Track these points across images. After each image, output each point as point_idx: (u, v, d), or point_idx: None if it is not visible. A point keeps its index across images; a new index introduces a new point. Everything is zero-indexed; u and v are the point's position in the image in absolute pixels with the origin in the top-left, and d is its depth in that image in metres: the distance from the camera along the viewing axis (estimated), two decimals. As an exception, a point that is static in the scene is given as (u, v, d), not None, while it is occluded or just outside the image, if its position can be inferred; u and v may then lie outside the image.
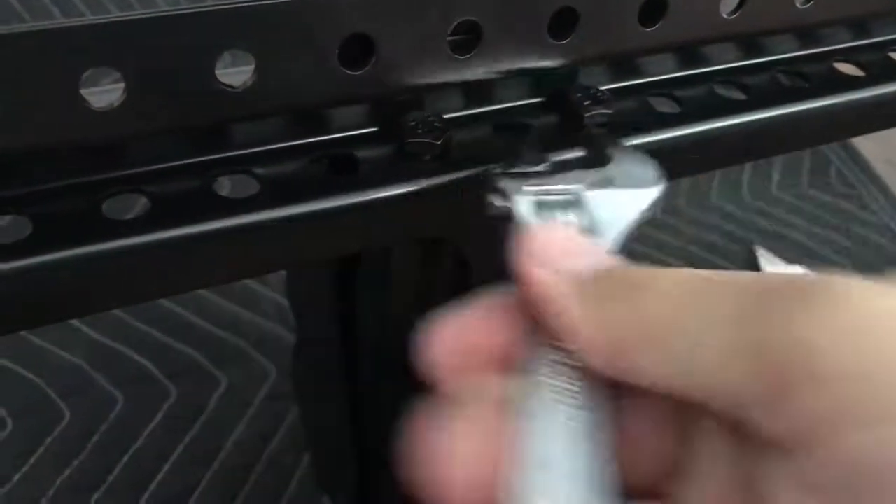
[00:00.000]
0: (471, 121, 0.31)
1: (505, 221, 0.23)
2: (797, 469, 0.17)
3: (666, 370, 0.18)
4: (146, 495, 0.53)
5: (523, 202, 0.23)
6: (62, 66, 0.22)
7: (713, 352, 0.18)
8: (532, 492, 0.19)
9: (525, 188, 0.23)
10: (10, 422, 0.56)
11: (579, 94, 0.31)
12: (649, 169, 0.24)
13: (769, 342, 0.17)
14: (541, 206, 0.23)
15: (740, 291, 0.18)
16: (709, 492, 0.19)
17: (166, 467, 0.55)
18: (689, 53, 0.34)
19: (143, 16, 0.22)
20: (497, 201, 0.24)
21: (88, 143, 0.24)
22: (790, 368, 0.17)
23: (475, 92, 0.30)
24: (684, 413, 0.20)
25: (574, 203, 0.23)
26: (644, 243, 0.73)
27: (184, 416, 0.57)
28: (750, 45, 0.35)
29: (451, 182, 0.29)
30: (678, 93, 0.33)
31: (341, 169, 0.28)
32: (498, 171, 0.24)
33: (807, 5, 0.32)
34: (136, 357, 0.60)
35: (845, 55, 0.37)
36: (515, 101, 0.31)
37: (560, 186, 0.23)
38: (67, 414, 0.57)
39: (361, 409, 0.41)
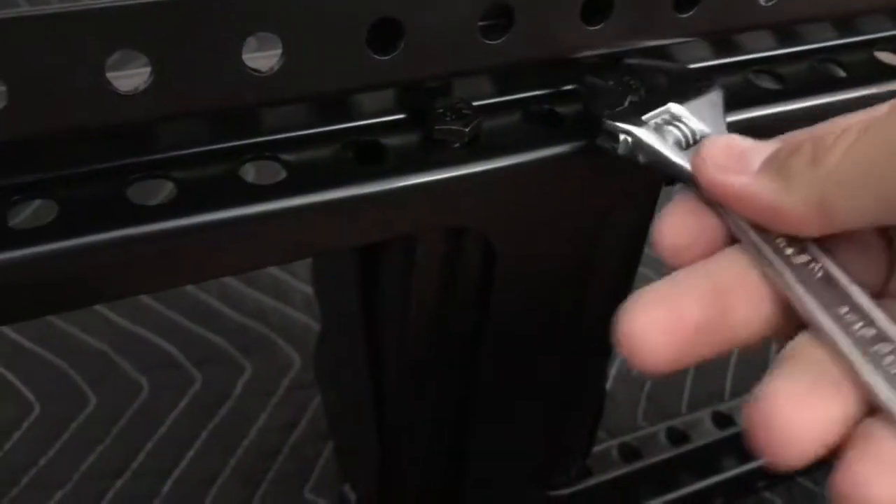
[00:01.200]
0: (500, 108, 0.30)
1: (631, 155, 0.27)
2: None
3: (871, 208, 0.21)
4: (170, 481, 0.53)
5: (644, 132, 0.27)
6: (88, 49, 0.22)
7: None
8: None
9: (641, 119, 0.27)
10: (36, 406, 0.56)
11: (610, 82, 0.31)
12: (699, 76, 0.29)
13: None
14: (656, 130, 0.27)
15: None
16: None
17: (190, 454, 0.55)
18: (723, 41, 0.33)
19: (171, -2, 0.22)
20: (621, 139, 0.27)
21: (114, 127, 0.24)
22: None
23: (505, 78, 0.30)
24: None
25: (680, 119, 0.27)
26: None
27: (208, 403, 0.57)
28: (787, 33, 0.35)
29: (480, 170, 0.28)
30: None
31: (368, 156, 0.28)
32: (604, 116, 0.28)
33: (847, -8, 0.32)
34: (162, 343, 0.60)
35: (886, 44, 0.36)
36: (546, 87, 0.31)
37: (658, 111, 0.28)
38: (93, 399, 0.57)
39: (384, 399, 0.40)
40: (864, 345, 0.20)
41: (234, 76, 0.24)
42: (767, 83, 0.33)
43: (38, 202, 0.25)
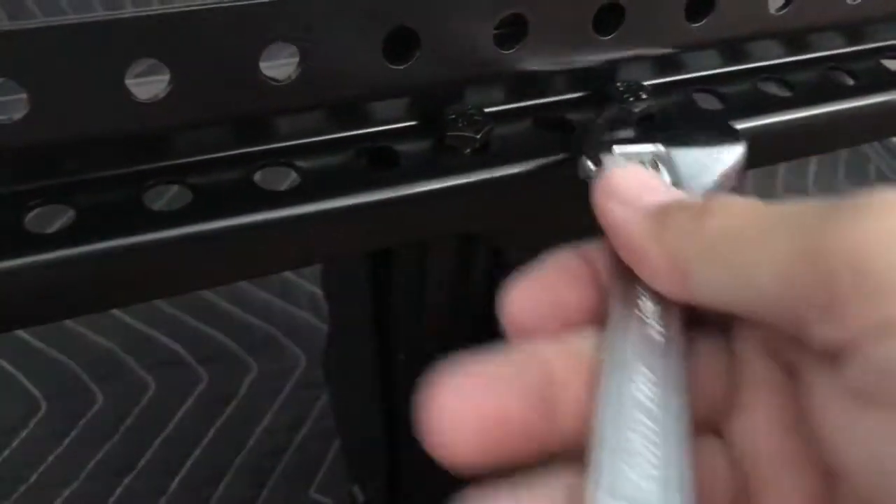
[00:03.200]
0: (512, 115, 0.30)
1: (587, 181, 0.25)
2: (842, 377, 0.17)
3: (727, 285, 0.19)
4: (177, 479, 0.54)
5: (612, 159, 0.25)
6: (108, 58, 0.22)
7: (771, 263, 0.18)
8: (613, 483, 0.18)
9: (614, 146, 0.25)
10: (44, 404, 0.56)
11: (621, 89, 0.31)
12: (730, 132, 0.26)
13: (822, 250, 0.17)
14: (629, 162, 0.25)
15: (799, 211, 0.19)
16: (759, 419, 0.20)
17: (197, 452, 0.55)
18: (733, 49, 0.34)
19: (189, 8, 0.22)
20: (587, 162, 0.25)
21: (133, 134, 0.24)
22: (841, 274, 0.17)
23: (517, 86, 0.30)
24: (735, 345, 0.21)
25: (660, 159, 0.25)
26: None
27: (215, 402, 0.58)
28: (796, 41, 0.35)
29: (491, 176, 0.29)
30: (722, 89, 0.33)
31: (381, 162, 0.28)
32: (586, 132, 0.26)
33: (856, 1, 0.32)
34: (169, 342, 0.61)
35: (894, 52, 0.36)
36: (557, 95, 0.31)
37: (645, 144, 0.25)
38: (100, 397, 0.57)
39: (392, 399, 0.41)
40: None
41: (251, 85, 0.24)
42: (776, 91, 0.34)
43: (54, 207, 0.25)
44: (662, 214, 0.21)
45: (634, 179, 0.22)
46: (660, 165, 0.24)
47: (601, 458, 0.18)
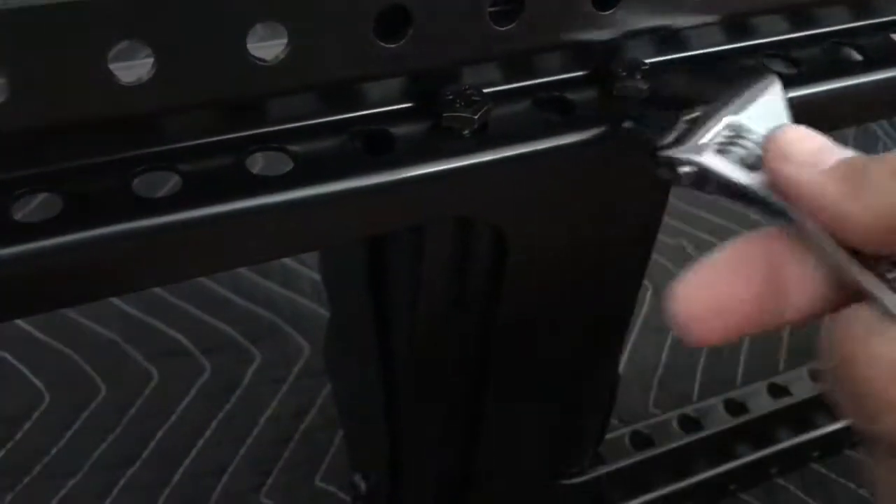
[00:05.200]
0: (510, 95, 0.30)
1: (697, 185, 0.24)
2: None
3: None
4: (180, 470, 0.53)
5: (708, 156, 0.24)
6: (90, 40, 0.21)
7: None
8: None
9: (701, 144, 0.24)
10: (46, 395, 0.56)
11: (621, 68, 0.30)
12: (759, 72, 0.26)
13: None
14: (720, 152, 0.24)
15: None
16: None
17: (200, 442, 0.55)
18: (736, 25, 0.33)
19: (173, -13, 0.21)
20: (684, 169, 0.24)
21: (118, 118, 0.23)
22: None
23: (515, 65, 0.29)
24: None
25: (738, 134, 0.24)
26: (686, 222, 0.72)
27: (218, 392, 0.57)
28: (801, 16, 0.34)
29: (489, 159, 0.28)
30: (725, 67, 0.32)
31: (376, 146, 0.28)
32: (657, 147, 0.25)
33: (864, -27, 0.31)
34: (171, 332, 0.60)
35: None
36: (557, 74, 0.30)
37: (717, 129, 0.24)
38: (103, 388, 0.57)
39: (394, 388, 0.40)
40: None
41: (238, 66, 0.23)
42: (781, 68, 0.33)
43: (42, 196, 0.25)
44: (855, 173, 0.21)
45: (807, 141, 0.22)
46: (743, 139, 0.24)
47: None
